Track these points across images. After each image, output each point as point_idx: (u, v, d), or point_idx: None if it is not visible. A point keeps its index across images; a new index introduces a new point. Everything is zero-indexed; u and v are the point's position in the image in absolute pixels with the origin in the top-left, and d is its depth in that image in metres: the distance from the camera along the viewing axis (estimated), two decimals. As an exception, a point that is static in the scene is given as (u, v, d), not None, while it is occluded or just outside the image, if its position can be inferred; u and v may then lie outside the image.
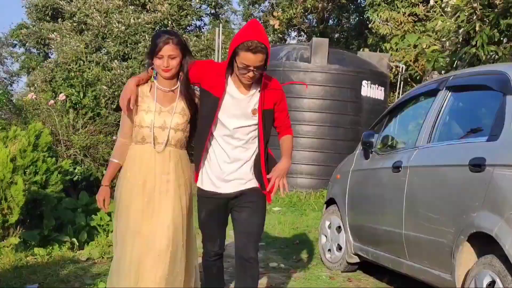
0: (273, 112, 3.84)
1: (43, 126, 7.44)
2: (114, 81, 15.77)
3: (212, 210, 3.91)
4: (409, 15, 14.93)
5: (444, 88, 4.77)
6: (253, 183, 3.87)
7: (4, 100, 8.32)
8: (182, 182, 3.82)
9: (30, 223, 6.47)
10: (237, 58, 3.60)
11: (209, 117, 3.76)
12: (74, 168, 8.38)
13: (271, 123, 3.90)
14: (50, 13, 20.39)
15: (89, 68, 16.51)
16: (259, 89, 3.78)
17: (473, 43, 6.88)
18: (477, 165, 3.89)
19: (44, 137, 7.25)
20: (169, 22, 18.02)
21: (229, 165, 3.82)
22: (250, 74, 3.61)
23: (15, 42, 25.07)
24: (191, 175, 3.91)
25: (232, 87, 3.77)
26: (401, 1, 15.24)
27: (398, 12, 15.04)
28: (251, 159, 3.85)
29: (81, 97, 9.45)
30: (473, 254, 3.99)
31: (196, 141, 3.90)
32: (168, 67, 3.70)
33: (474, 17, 6.91)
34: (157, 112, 3.76)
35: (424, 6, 14.48)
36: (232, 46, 3.62)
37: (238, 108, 3.76)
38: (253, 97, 3.77)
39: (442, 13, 9.79)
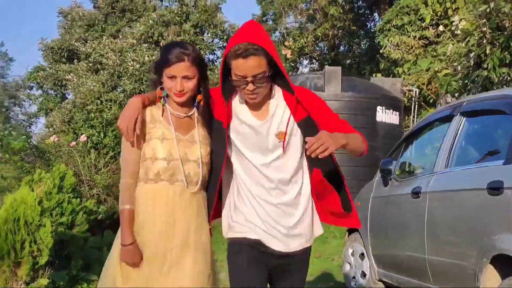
0: (315, 123, 2.96)
1: (67, 168, 7.62)
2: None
3: (251, 262, 2.96)
4: (419, 39, 15.05)
5: (459, 113, 4.87)
6: (303, 241, 3.04)
7: (27, 145, 8.55)
8: (205, 235, 3.02)
9: (58, 264, 6.59)
10: (231, 71, 2.87)
11: (221, 153, 3.00)
12: (98, 207, 8.53)
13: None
14: (65, 54, 20.77)
15: (107, 107, 16.79)
16: (282, 104, 2.98)
17: (485, 66, 7.00)
18: (495, 188, 3.97)
19: (68, 178, 7.43)
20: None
21: (265, 216, 2.96)
22: (249, 87, 2.83)
23: (32, 84, 25.49)
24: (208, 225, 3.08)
25: (246, 113, 2.98)
26: (411, 25, 15.37)
27: (409, 36, 15.17)
28: (296, 204, 3.01)
29: (102, 137, 9.67)
30: (497, 276, 4.04)
31: (213, 182, 3.07)
32: (182, 91, 2.91)
33: (484, 41, 7.03)
34: (176, 141, 2.95)
35: (434, 29, 14.61)
36: (223, 60, 2.92)
37: (258, 138, 2.96)
38: (274, 119, 2.96)
39: (452, 38, 9.91)
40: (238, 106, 3.02)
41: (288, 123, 2.96)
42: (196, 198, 3.00)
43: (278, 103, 2.98)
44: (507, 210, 3.86)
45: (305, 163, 3.04)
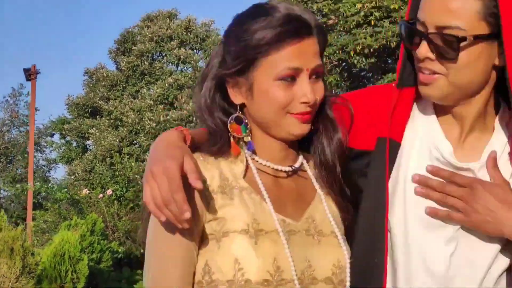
0: None
1: (97, 217, 9.81)
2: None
3: None
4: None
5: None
6: None
7: (67, 196, 10.70)
8: None
9: (89, 291, 8.73)
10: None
11: (374, 225, 1.46)
12: (119, 248, 10.63)
13: None
14: (89, 110, 23.03)
15: (123, 159, 18.88)
16: (505, 141, 1.46)
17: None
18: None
19: (99, 224, 9.62)
20: (194, 119, 20.55)
21: None
22: (421, 50, 1.37)
23: (53, 132, 27.72)
24: None
25: (437, 136, 1.46)
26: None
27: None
28: None
29: (124, 192, 11.81)
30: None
31: None
32: (314, 102, 1.36)
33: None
34: (284, 236, 1.32)
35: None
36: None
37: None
38: (499, 166, 1.43)
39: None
40: (420, 122, 1.50)
41: None
42: None
43: (503, 137, 1.47)
44: None
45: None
